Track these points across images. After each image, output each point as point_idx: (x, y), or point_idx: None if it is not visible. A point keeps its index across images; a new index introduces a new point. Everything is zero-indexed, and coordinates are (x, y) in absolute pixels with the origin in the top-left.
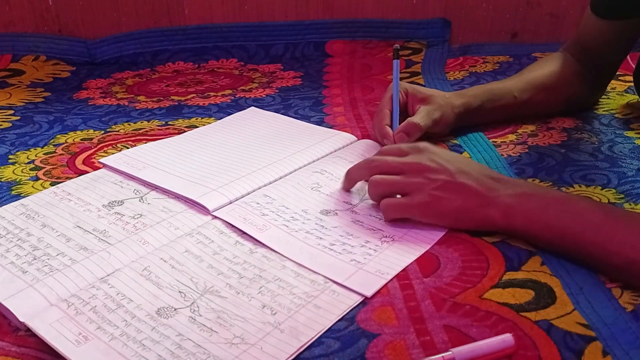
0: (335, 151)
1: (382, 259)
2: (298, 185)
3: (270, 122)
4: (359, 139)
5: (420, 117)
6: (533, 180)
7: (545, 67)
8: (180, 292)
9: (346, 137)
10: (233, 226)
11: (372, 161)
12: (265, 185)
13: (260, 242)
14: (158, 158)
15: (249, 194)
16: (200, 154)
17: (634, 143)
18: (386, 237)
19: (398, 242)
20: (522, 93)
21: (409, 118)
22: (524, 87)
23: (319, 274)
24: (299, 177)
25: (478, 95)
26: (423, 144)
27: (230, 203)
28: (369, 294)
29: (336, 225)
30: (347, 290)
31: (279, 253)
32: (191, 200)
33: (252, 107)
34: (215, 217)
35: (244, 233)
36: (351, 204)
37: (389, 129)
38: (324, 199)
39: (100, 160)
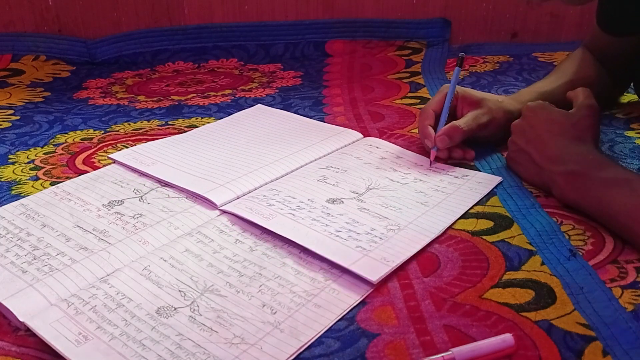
0: (342, 148)
1: (388, 247)
2: (304, 178)
3: (277, 119)
4: (364, 137)
5: (465, 120)
6: None
7: (580, 69)
8: (180, 291)
9: (352, 134)
10: (234, 224)
11: None
12: (272, 181)
13: (262, 239)
14: (167, 154)
15: (256, 189)
16: (208, 150)
17: (634, 143)
18: (392, 225)
19: (404, 230)
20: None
21: (453, 121)
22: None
23: (324, 258)
24: (305, 172)
25: (532, 101)
26: (540, 105)
27: (238, 198)
28: (374, 279)
29: (342, 213)
30: (347, 288)
31: (285, 238)
32: (199, 195)
33: (259, 105)
34: (222, 212)
35: (245, 230)
36: (357, 193)
37: (431, 129)
38: (330, 189)
39: (110, 156)
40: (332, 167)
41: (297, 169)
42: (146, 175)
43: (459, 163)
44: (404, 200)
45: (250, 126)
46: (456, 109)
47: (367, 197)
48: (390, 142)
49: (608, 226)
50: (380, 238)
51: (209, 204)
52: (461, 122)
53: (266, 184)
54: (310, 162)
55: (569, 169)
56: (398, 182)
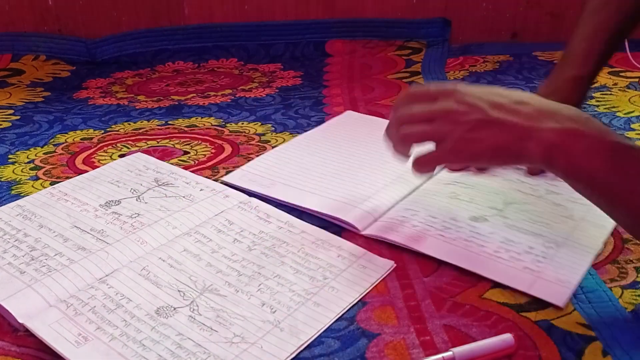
0: None
1: (557, 267)
2: (435, 196)
3: (373, 127)
4: None
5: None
6: None
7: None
8: (179, 291)
9: None
10: (232, 224)
11: (399, 114)
12: (402, 199)
13: (260, 238)
14: (279, 172)
15: (389, 209)
16: (318, 164)
17: (635, 143)
18: (548, 242)
19: (563, 247)
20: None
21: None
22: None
23: (495, 281)
24: (431, 188)
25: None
26: (452, 85)
27: (375, 221)
28: (561, 304)
29: (492, 232)
30: (346, 287)
31: (446, 262)
32: (337, 218)
33: (349, 111)
34: (221, 211)
35: (243, 230)
36: (497, 209)
37: None
38: (467, 206)
39: (223, 179)
40: (457, 182)
41: (422, 184)
42: (269, 198)
43: None
44: (547, 214)
45: (349, 135)
46: None
47: (509, 213)
48: None
49: (608, 207)
50: (543, 257)
51: (346, 226)
52: None
53: (397, 203)
54: (432, 176)
55: (569, 127)
56: (531, 194)
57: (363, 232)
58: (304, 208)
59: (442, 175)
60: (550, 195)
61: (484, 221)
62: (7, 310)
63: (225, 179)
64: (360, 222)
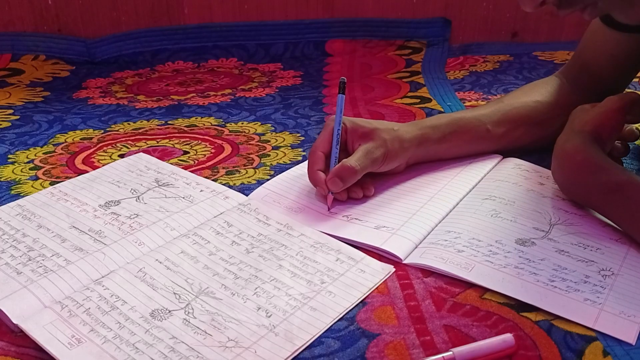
0: (488, 173)
1: (618, 298)
2: (475, 214)
3: None
4: (503, 158)
5: (357, 157)
6: None
7: (530, 96)
8: (175, 293)
9: (492, 157)
10: (230, 226)
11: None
12: (440, 222)
13: (258, 241)
14: (305, 193)
15: (429, 233)
16: None
17: (634, 144)
18: (603, 270)
19: (620, 276)
20: (496, 126)
21: (343, 160)
22: (500, 119)
23: (558, 316)
24: (470, 206)
25: (440, 126)
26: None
27: (416, 247)
28: (631, 340)
29: (542, 258)
30: (343, 291)
31: (502, 294)
32: (376, 248)
33: None
34: (220, 212)
35: (242, 232)
36: (543, 230)
37: (321, 174)
38: (511, 226)
39: (249, 197)
40: (495, 198)
41: (457, 203)
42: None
43: None
44: (596, 237)
45: None
46: (347, 144)
47: (556, 236)
48: None
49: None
50: (602, 287)
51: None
52: (352, 160)
53: (436, 225)
54: (468, 192)
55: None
56: (575, 213)
57: (405, 261)
58: (339, 237)
59: (478, 190)
60: (596, 213)
61: (532, 245)
62: (2, 311)
63: (251, 196)
64: (401, 249)
